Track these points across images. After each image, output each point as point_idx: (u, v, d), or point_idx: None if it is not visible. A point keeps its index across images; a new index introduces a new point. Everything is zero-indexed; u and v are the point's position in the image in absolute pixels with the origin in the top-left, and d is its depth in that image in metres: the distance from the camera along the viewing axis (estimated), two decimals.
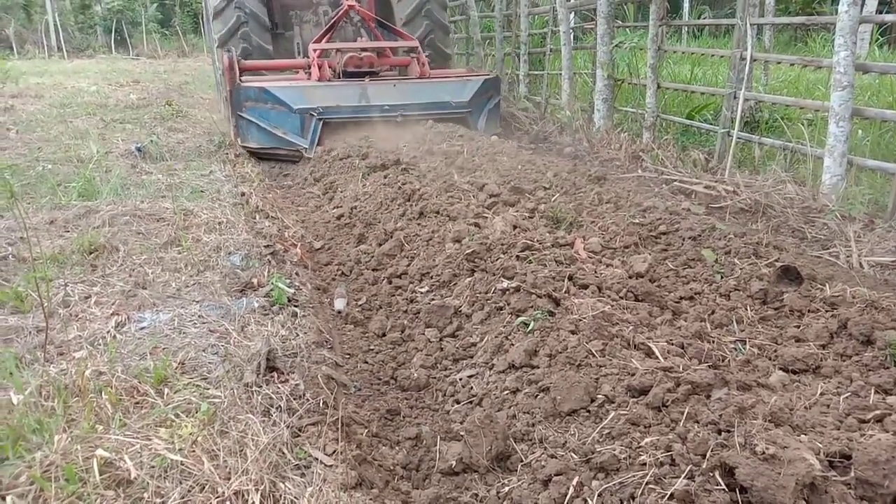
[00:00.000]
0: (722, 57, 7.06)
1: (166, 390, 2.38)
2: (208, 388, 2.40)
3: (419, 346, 3.08)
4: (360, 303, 3.69)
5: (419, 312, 3.37)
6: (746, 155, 5.99)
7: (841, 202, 4.70)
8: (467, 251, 3.46)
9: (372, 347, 3.18)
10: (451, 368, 2.87)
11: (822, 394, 2.35)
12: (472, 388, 2.65)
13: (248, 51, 8.16)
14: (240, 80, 7.31)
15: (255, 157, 7.29)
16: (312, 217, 5.23)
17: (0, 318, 3.03)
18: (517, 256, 3.26)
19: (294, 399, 2.29)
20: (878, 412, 2.16)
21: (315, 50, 7.55)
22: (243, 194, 5.01)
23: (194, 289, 3.46)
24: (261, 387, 2.33)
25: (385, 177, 5.32)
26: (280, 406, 2.20)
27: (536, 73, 9.32)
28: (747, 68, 5.79)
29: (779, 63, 6.47)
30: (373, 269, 4.07)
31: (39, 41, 31.10)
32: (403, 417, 2.57)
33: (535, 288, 2.88)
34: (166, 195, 5.20)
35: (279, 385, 2.37)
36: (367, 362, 3.02)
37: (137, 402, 2.32)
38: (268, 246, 4.00)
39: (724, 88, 5.99)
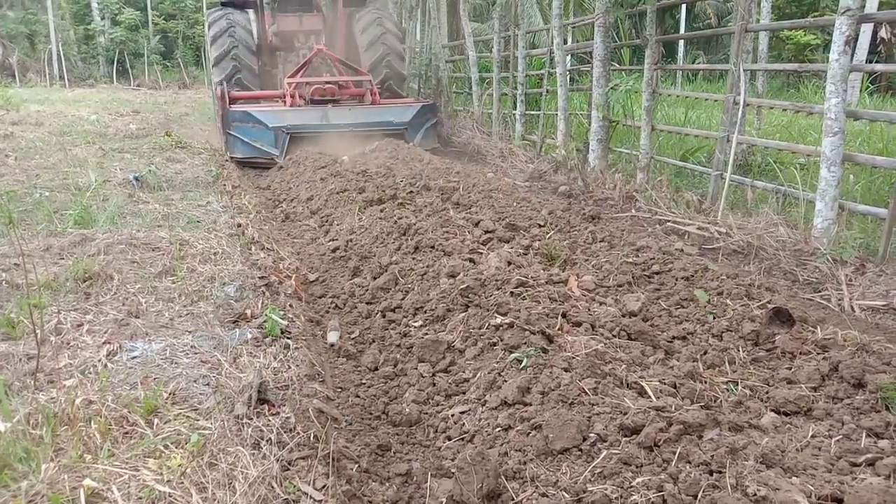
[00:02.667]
0: (716, 101, 7.18)
1: (156, 420, 2.37)
2: (198, 420, 2.38)
3: (411, 381, 3.07)
4: (353, 336, 3.69)
5: (412, 347, 3.37)
6: (739, 197, 6.05)
7: (832, 246, 4.74)
8: (461, 286, 3.48)
9: (364, 381, 3.17)
10: (443, 404, 2.85)
11: (813, 436, 2.36)
12: (463, 424, 2.64)
13: (242, 84, 10.69)
14: (229, 106, 9.66)
15: (239, 166, 9.18)
16: (308, 249, 5.25)
17: None
18: (511, 293, 3.27)
19: (284, 432, 2.27)
20: (869, 456, 2.16)
21: (289, 83, 9.84)
22: (239, 225, 5.03)
23: (187, 319, 3.46)
24: (251, 419, 2.31)
25: (381, 211, 5.35)
26: (270, 439, 2.19)
27: (533, 112, 9.44)
28: (740, 113, 5.89)
29: (771, 108, 6.58)
30: (367, 303, 4.07)
31: (42, 70, 31.40)
32: (394, 453, 2.55)
33: (529, 324, 2.89)
34: (162, 224, 5.21)
35: (270, 417, 2.35)
36: (358, 396, 3.00)
37: (127, 432, 2.30)
38: (262, 277, 4.00)
39: (718, 132, 6.08)
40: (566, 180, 7.66)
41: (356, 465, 2.38)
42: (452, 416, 2.73)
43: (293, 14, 11.38)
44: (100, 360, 2.91)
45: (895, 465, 2.11)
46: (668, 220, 5.89)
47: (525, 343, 2.83)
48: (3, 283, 3.80)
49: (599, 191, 7.08)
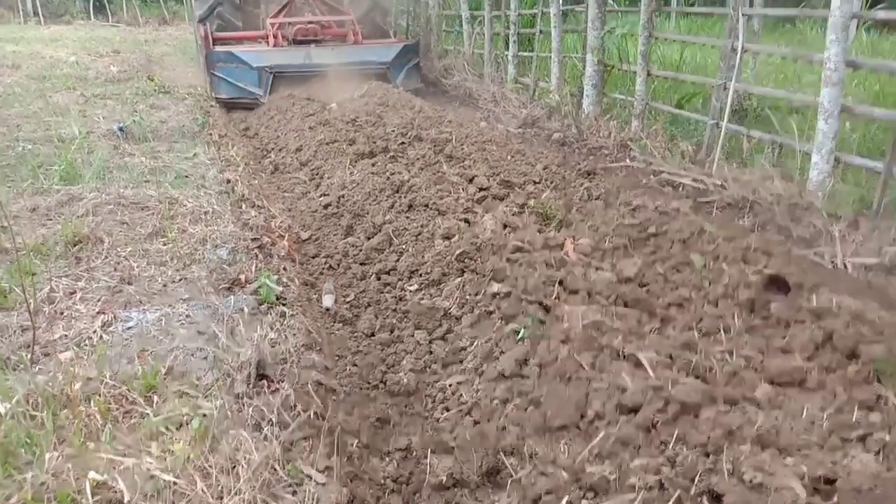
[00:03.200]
0: (713, 47, 7.02)
1: (155, 398, 2.37)
2: (198, 396, 2.38)
3: (408, 349, 3.08)
4: (348, 300, 3.68)
5: (408, 312, 3.38)
6: (735, 146, 5.99)
7: (828, 200, 4.73)
8: (458, 251, 3.46)
9: (361, 348, 3.18)
10: (440, 373, 2.88)
11: (807, 410, 2.39)
12: (461, 395, 2.67)
13: (223, 26, 10.57)
14: (213, 47, 9.75)
15: (225, 109, 9.29)
16: (299, 205, 5.19)
17: None
18: (508, 259, 3.26)
19: (285, 411, 2.29)
20: (860, 431, 2.20)
21: (272, 23, 9.92)
22: (228, 181, 4.95)
23: (181, 285, 3.43)
24: (251, 398, 2.32)
25: (373, 165, 5.27)
26: (271, 420, 2.20)
27: (526, 54, 9.23)
28: (738, 59, 5.77)
29: (770, 55, 6.46)
30: (361, 264, 4.06)
31: (15, 5, 30.26)
32: (394, 426, 2.58)
33: (527, 294, 2.89)
34: (150, 180, 5.12)
35: (270, 395, 2.36)
36: (356, 365, 3.02)
37: (127, 412, 2.30)
38: (255, 239, 3.96)
39: (715, 79, 5.97)
40: (560, 127, 7.55)
41: (356, 440, 2.40)
42: (450, 385, 2.75)
43: None
44: (95, 332, 2.90)
45: (885, 441, 2.15)
46: (663, 172, 5.84)
47: (522, 313, 2.84)
48: None
49: (594, 139, 6.99)
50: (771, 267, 3.19)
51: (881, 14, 4.93)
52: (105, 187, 4.82)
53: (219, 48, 9.74)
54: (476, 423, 2.46)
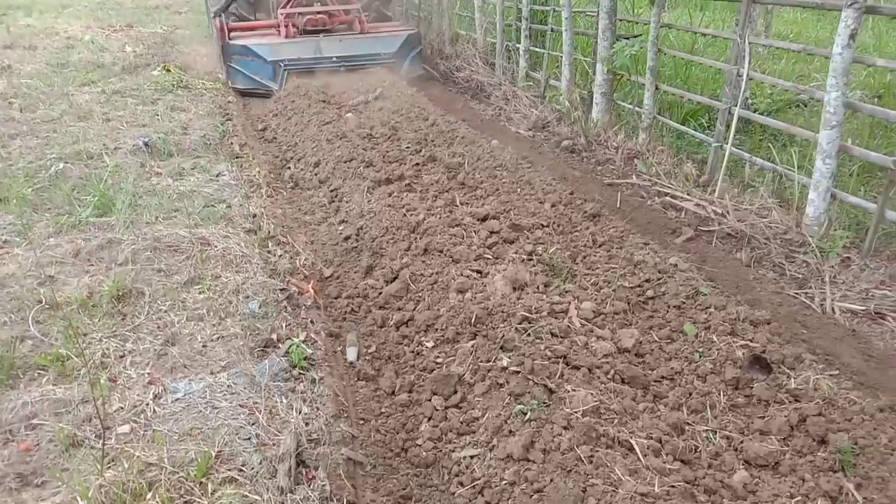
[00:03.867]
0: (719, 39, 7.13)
1: (210, 486, 2.74)
2: (246, 484, 2.75)
3: (426, 413, 3.42)
4: (370, 351, 4.02)
5: (426, 369, 3.72)
6: (738, 168, 6.19)
7: (821, 238, 4.98)
8: (470, 314, 3.77)
9: (383, 410, 3.52)
10: (455, 442, 3.22)
11: (776, 496, 2.74)
12: (474, 470, 3.02)
13: (236, 19, 11.12)
14: (228, 39, 10.16)
15: (240, 98, 9.97)
16: (320, 234, 5.48)
17: (46, 388, 3.34)
18: (516, 329, 3.57)
19: (321, 503, 2.65)
20: None
21: (283, 13, 10.36)
22: (255, 216, 5.24)
23: (219, 344, 3.78)
24: (293, 491, 2.68)
25: (390, 195, 5.54)
26: None
27: (537, 50, 9.32)
28: (743, 86, 5.93)
29: (774, 85, 6.59)
30: (380, 307, 4.38)
31: None
32: (415, 503, 2.94)
33: (533, 374, 3.22)
34: (179, 209, 5.43)
35: (308, 487, 2.72)
36: (379, 431, 3.37)
37: (186, 502, 2.67)
38: (283, 290, 4.29)
39: (720, 103, 6.14)
40: (570, 133, 7.74)
41: None
42: (464, 458, 3.10)
43: None
44: (147, 405, 3.26)
45: None
46: (667, 193, 6.08)
47: (528, 393, 3.16)
48: (42, 300, 4.08)
49: (601, 150, 7.19)
50: (757, 340, 3.49)
51: (880, 62, 5.08)
52: (138, 220, 5.14)
53: (234, 41, 10.18)
54: (488, 503, 2.82)
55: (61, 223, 5.11)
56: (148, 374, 3.49)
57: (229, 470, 2.84)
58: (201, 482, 2.77)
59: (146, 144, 6.72)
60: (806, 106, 8.02)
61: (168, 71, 10.16)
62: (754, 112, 6.74)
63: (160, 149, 6.77)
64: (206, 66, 11.19)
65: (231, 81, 10.14)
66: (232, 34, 10.34)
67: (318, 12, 10.40)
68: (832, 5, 5.26)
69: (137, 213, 5.30)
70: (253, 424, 3.13)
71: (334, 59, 10.01)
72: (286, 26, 10.19)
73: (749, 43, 5.87)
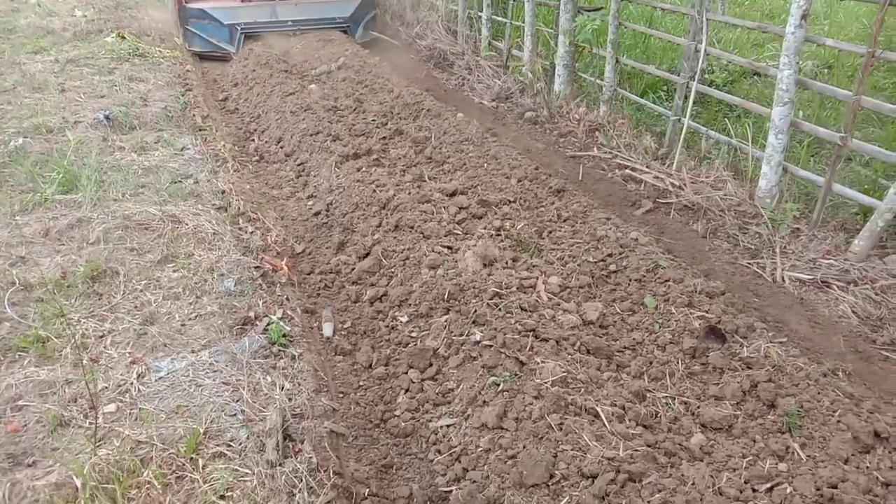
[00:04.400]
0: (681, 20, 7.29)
1: (200, 461, 2.86)
2: (235, 458, 2.88)
3: (403, 386, 3.58)
4: (345, 326, 4.15)
5: (401, 343, 3.87)
6: (695, 141, 6.42)
7: (774, 209, 5.24)
8: (443, 291, 3.92)
9: (361, 384, 3.68)
10: (432, 413, 3.40)
11: (729, 456, 2.98)
12: (451, 439, 3.20)
13: None
14: (185, 2, 10.32)
15: (198, 58, 10.21)
16: (289, 209, 5.54)
17: (29, 369, 3.39)
18: (487, 304, 3.74)
19: (309, 474, 2.80)
20: (769, 484, 2.79)
21: None
22: (223, 192, 5.26)
23: (197, 322, 3.86)
24: (282, 464, 2.83)
25: (358, 170, 5.61)
26: (301, 488, 2.71)
27: (500, 19, 9.36)
28: (700, 61, 6.12)
29: (730, 62, 6.77)
30: (353, 283, 4.50)
31: None
32: (396, 470, 3.12)
33: (505, 348, 3.40)
34: (145, 185, 5.42)
35: (296, 459, 2.87)
36: (358, 404, 3.52)
37: (179, 477, 2.80)
38: (258, 267, 4.36)
39: (679, 77, 6.32)
40: (532, 104, 7.86)
41: (367, 489, 2.94)
42: (440, 428, 3.28)
43: None
44: (132, 384, 3.35)
45: (786, 493, 2.76)
46: (627, 166, 6.28)
47: (501, 365, 3.34)
48: (16, 282, 4.08)
49: (563, 122, 7.35)
50: (712, 311, 3.73)
51: (829, 41, 5.30)
52: (104, 197, 5.12)
53: (191, 4, 10.34)
54: (465, 469, 3.01)
55: (26, 201, 5.05)
56: (129, 353, 3.57)
57: (218, 445, 2.97)
58: (192, 458, 2.89)
59: (107, 118, 6.61)
60: (760, 76, 8.28)
61: (123, 38, 9.89)
62: (711, 86, 6.95)
63: (121, 122, 6.67)
64: (162, 32, 10.91)
65: (188, 44, 10.28)
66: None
67: None
68: None
69: (103, 189, 5.27)
70: (237, 401, 3.24)
71: (290, 22, 10.36)
72: None
73: (707, 20, 6.04)
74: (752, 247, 5.09)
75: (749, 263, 4.92)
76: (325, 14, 10.57)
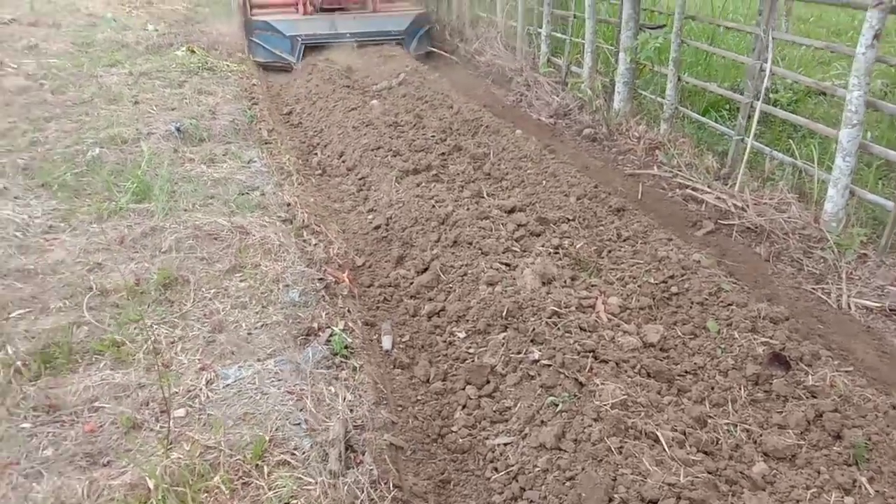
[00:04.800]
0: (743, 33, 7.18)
1: (265, 468, 2.96)
2: (298, 467, 2.97)
3: (460, 402, 3.62)
4: (404, 340, 4.22)
5: (458, 359, 3.91)
6: (758, 162, 6.30)
7: (839, 235, 5.11)
8: (501, 308, 3.96)
9: (419, 398, 3.73)
10: (489, 430, 3.43)
11: (793, 487, 2.93)
12: (508, 457, 3.22)
13: None
14: (250, 14, 10.91)
15: (264, 71, 10.64)
16: (350, 222, 5.66)
17: (105, 372, 3.56)
18: (546, 323, 3.75)
19: (370, 486, 2.86)
20: None
21: None
22: (289, 205, 5.42)
23: (263, 332, 3.98)
24: (344, 475, 2.90)
25: (417, 185, 5.70)
26: (363, 499, 2.78)
27: (559, 35, 9.38)
28: (765, 80, 6.02)
29: (795, 82, 6.64)
30: (411, 297, 4.58)
31: None
32: (453, 486, 3.16)
33: (563, 368, 3.41)
34: (214, 196, 5.62)
35: (358, 471, 2.94)
36: (416, 418, 3.58)
37: (245, 483, 2.90)
38: (321, 280, 4.48)
39: (742, 97, 6.24)
40: (591, 122, 7.85)
41: None
42: (498, 446, 3.31)
43: None
44: (201, 390, 3.48)
45: None
46: (688, 186, 6.21)
47: (559, 385, 3.36)
48: (93, 286, 4.29)
49: (623, 140, 7.31)
50: (776, 337, 3.67)
51: None
52: (175, 207, 5.33)
53: (256, 17, 10.93)
54: (522, 489, 3.03)
55: (102, 209, 5.30)
56: (199, 360, 3.71)
57: (282, 454, 3.06)
58: (257, 465, 2.99)
59: (178, 130, 6.88)
60: (826, 95, 8.09)
61: (192, 52, 10.28)
62: (775, 105, 6.83)
63: (192, 134, 6.93)
64: (230, 46, 11.30)
65: (252, 55, 10.82)
66: (254, 10, 11.05)
67: None
68: (858, 4, 5.34)
69: (175, 199, 5.49)
70: (301, 410, 3.34)
71: (348, 35, 10.78)
72: (304, 4, 10.99)
73: (773, 38, 5.95)
74: (817, 272, 4.97)
75: (814, 289, 4.81)
76: (381, 27, 11.01)
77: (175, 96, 8.29)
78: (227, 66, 9.95)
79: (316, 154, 7.16)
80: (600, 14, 8.66)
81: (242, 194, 5.68)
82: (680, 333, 3.82)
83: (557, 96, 8.60)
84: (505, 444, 3.30)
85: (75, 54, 10.30)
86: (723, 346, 3.69)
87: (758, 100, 6.05)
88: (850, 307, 4.61)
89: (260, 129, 7.41)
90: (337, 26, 10.82)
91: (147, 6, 15.20)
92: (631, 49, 7.38)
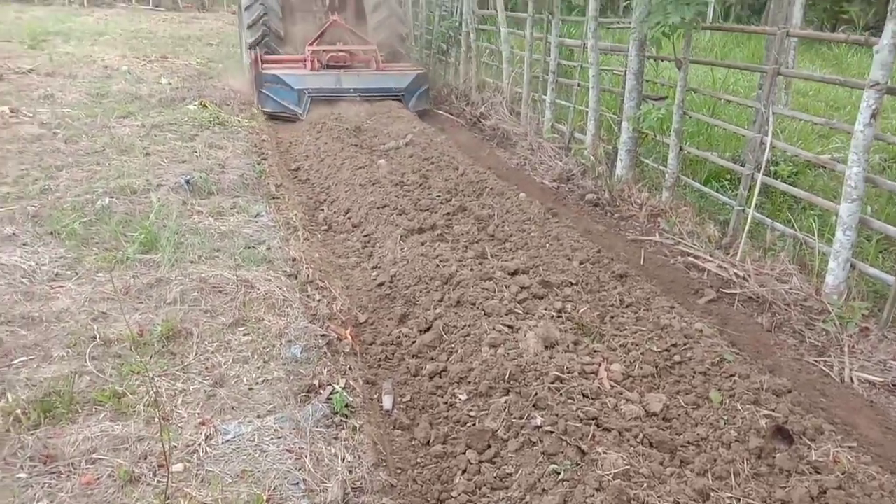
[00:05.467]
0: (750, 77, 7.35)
1: None
2: None
3: (461, 466, 3.58)
4: (404, 400, 4.20)
5: (459, 422, 3.88)
6: (760, 232, 6.38)
7: (840, 308, 5.14)
8: (503, 371, 3.96)
9: (419, 461, 3.69)
10: (489, 496, 3.38)
11: None
12: None
13: (269, 52, 12.12)
14: (262, 68, 11.47)
15: (271, 119, 11.25)
16: (354, 278, 5.69)
17: (105, 423, 3.53)
18: (549, 388, 3.75)
19: None
20: None
21: (309, 50, 11.66)
22: (294, 260, 5.46)
23: (264, 387, 3.97)
24: None
25: (422, 244, 5.76)
26: None
27: (563, 102, 9.61)
28: (766, 153, 6.15)
29: (796, 156, 6.80)
30: (413, 356, 4.57)
31: None
32: None
33: (566, 435, 3.39)
34: (221, 249, 5.67)
35: None
36: (415, 481, 3.53)
37: None
38: (323, 336, 4.49)
39: (744, 168, 6.36)
40: (594, 187, 7.98)
41: None
42: None
43: None
44: (199, 445, 3.45)
45: None
46: (690, 253, 6.27)
47: (561, 453, 3.33)
48: (97, 336, 4.30)
49: (625, 206, 7.42)
50: (779, 410, 3.66)
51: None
52: (182, 259, 5.38)
53: (267, 70, 11.44)
54: None
55: (109, 259, 5.34)
56: (198, 414, 3.69)
57: None
58: None
59: (188, 182, 6.98)
60: (826, 168, 8.24)
61: (204, 106, 10.51)
62: (776, 177, 6.95)
63: (201, 187, 7.03)
64: (241, 101, 11.56)
65: (262, 105, 11.43)
66: (265, 65, 11.60)
67: (341, 50, 11.83)
68: (854, 84, 5.51)
69: (181, 251, 5.54)
70: (300, 470, 3.30)
71: (352, 90, 11.41)
72: (312, 61, 11.56)
73: (773, 113, 6.11)
74: (819, 344, 4.98)
75: (816, 361, 4.81)
76: (383, 85, 11.66)
77: (186, 149, 8.44)
78: (238, 121, 10.16)
79: (322, 210, 7.25)
80: (604, 84, 8.89)
81: (248, 248, 5.73)
82: (682, 403, 3.81)
83: (561, 161, 8.76)
84: None
85: (89, 105, 10.54)
86: (725, 417, 3.67)
87: (758, 171, 6.17)
88: (852, 381, 4.60)
89: (268, 183, 7.52)
90: (342, 82, 11.42)
91: (162, 60, 15.62)
92: (634, 119, 7.56)
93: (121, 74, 13.25)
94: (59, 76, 12.75)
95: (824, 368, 4.73)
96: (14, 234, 5.65)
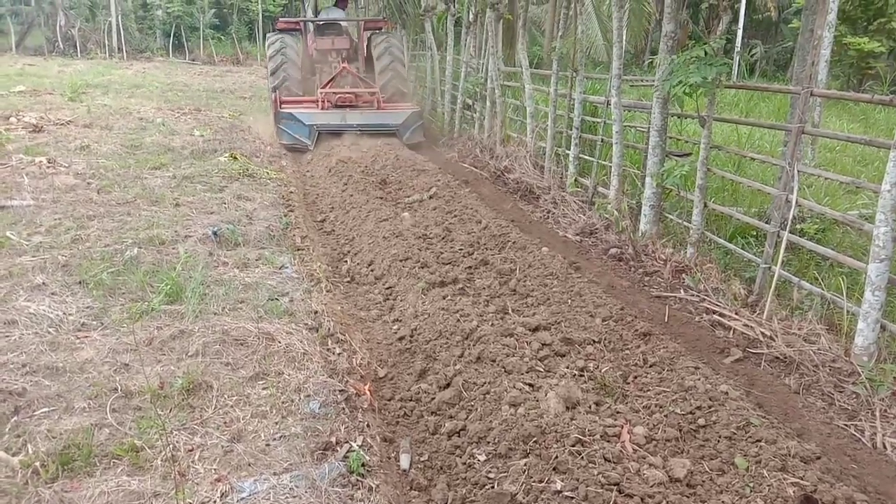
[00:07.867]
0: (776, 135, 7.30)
1: None
2: None
3: None
4: (422, 459, 4.14)
5: (477, 483, 3.81)
6: (786, 290, 6.29)
7: (872, 368, 5.01)
8: (523, 431, 3.89)
9: None
10: None
11: None
12: None
13: (289, 94, 14.26)
14: (280, 108, 13.62)
15: (289, 152, 13.28)
16: (375, 330, 5.69)
17: (122, 478, 3.53)
18: (569, 451, 3.67)
19: None
20: None
21: (321, 92, 13.80)
22: (316, 313, 5.49)
23: (281, 443, 3.94)
24: None
25: (443, 298, 5.76)
26: None
27: (587, 158, 9.67)
28: (791, 210, 6.10)
29: (823, 214, 6.74)
30: (432, 413, 4.52)
31: (101, 41, 32.25)
32: None
33: (586, 501, 3.31)
34: (244, 300, 5.72)
35: None
36: None
37: None
38: (342, 391, 4.47)
39: (769, 226, 6.30)
40: (617, 241, 7.95)
41: None
42: None
43: (328, 37, 15.97)
44: (215, 502, 3.42)
45: None
46: (715, 311, 6.18)
47: None
48: (118, 388, 4.33)
49: (649, 261, 7.37)
50: (808, 478, 3.53)
51: None
52: (205, 310, 5.43)
53: (284, 109, 13.56)
54: None
55: (134, 309, 5.41)
56: (215, 470, 3.67)
57: None
58: None
59: (215, 234, 7.10)
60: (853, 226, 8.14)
61: (235, 158, 10.75)
62: (802, 235, 6.88)
63: (228, 238, 7.14)
64: (270, 154, 11.83)
65: (279, 138, 13.51)
66: (283, 105, 13.69)
67: (347, 92, 13.93)
68: (880, 144, 5.48)
69: (205, 302, 5.60)
70: None
71: (355, 125, 13.43)
72: (323, 101, 13.61)
73: (798, 171, 6.08)
74: (849, 407, 4.84)
75: (846, 425, 4.67)
76: (381, 121, 13.65)
77: (215, 200, 8.61)
78: (267, 172, 10.37)
79: (346, 262, 7.31)
80: (627, 139, 8.95)
81: (271, 300, 5.78)
82: (707, 469, 3.70)
83: (584, 215, 8.77)
84: None
85: (124, 156, 10.85)
86: (751, 484, 3.56)
87: (784, 229, 6.11)
88: (885, 447, 4.44)
89: (294, 235, 7.62)
90: (346, 119, 13.45)
91: (195, 112, 16.09)
92: (657, 175, 7.57)
93: (155, 126, 13.66)
94: (96, 127, 13.19)
95: (855, 433, 4.58)
96: (44, 283, 5.76)
